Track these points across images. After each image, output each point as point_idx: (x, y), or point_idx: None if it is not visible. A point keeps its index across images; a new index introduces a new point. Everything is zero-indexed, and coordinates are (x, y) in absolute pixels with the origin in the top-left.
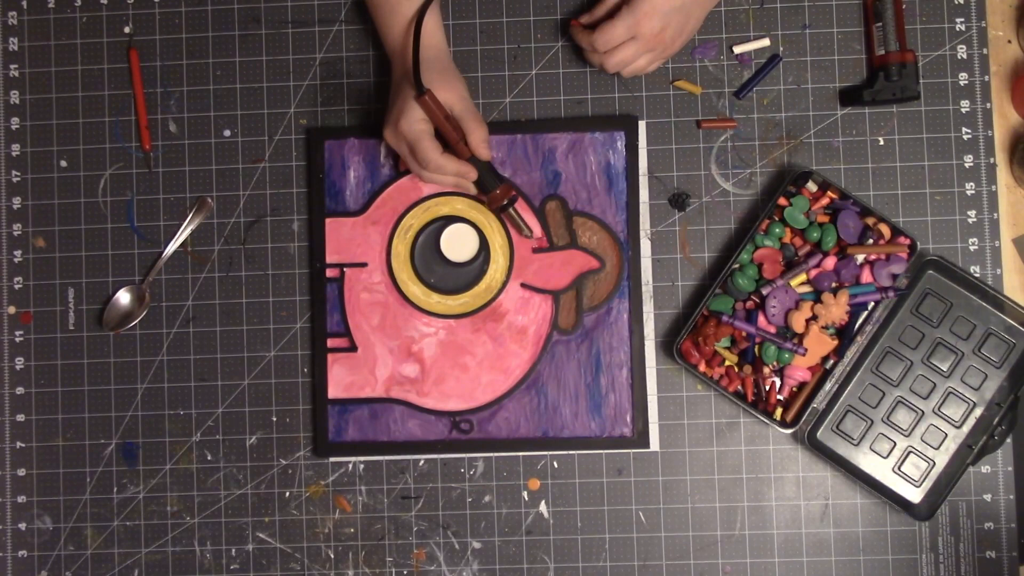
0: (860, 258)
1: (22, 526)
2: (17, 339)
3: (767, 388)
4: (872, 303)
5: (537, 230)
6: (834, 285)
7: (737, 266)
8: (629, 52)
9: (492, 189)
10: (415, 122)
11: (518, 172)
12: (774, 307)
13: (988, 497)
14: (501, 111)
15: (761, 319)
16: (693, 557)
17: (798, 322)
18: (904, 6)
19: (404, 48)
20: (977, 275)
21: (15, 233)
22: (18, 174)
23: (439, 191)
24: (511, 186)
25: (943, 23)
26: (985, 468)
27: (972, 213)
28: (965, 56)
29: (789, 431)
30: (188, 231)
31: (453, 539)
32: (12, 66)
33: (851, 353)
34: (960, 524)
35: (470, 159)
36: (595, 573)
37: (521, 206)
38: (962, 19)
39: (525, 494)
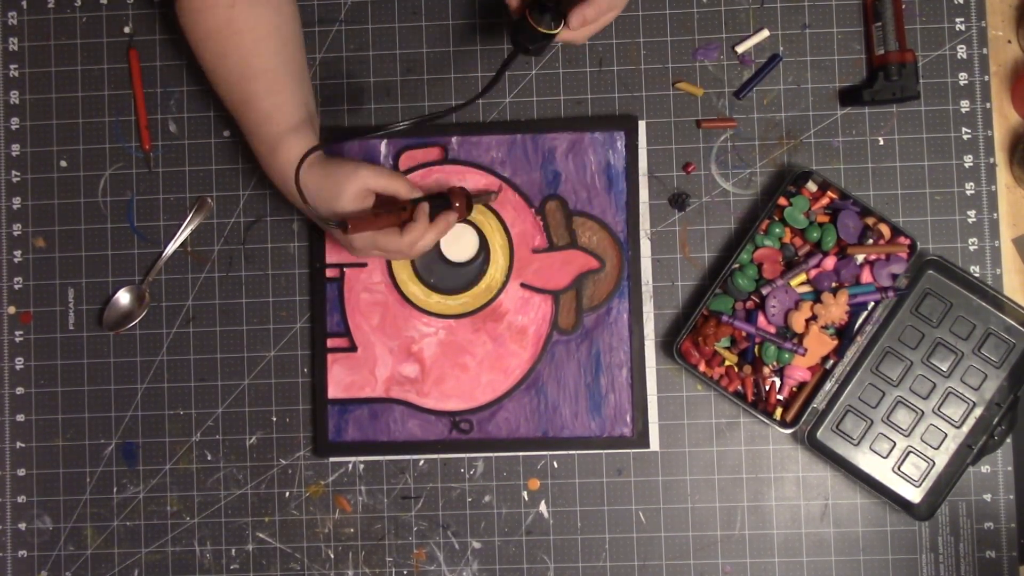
0: (860, 258)
1: (22, 526)
2: (17, 339)
3: (767, 388)
4: (872, 303)
5: (495, 185)
6: (834, 285)
7: (737, 266)
8: None
9: (451, 206)
10: (365, 245)
11: (518, 172)
12: (774, 307)
13: (988, 497)
14: (501, 111)
15: (761, 319)
16: (693, 557)
17: (798, 322)
18: (904, 6)
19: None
20: (977, 275)
21: (15, 233)
22: (18, 174)
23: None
24: (455, 191)
25: (943, 23)
26: (985, 468)
27: (972, 213)
28: (965, 56)
29: (789, 431)
30: (188, 231)
31: (453, 539)
32: (12, 66)
33: (851, 353)
34: (960, 524)
35: (417, 200)
36: (595, 573)
37: (470, 188)
38: (962, 19)
39: (525, 494)
